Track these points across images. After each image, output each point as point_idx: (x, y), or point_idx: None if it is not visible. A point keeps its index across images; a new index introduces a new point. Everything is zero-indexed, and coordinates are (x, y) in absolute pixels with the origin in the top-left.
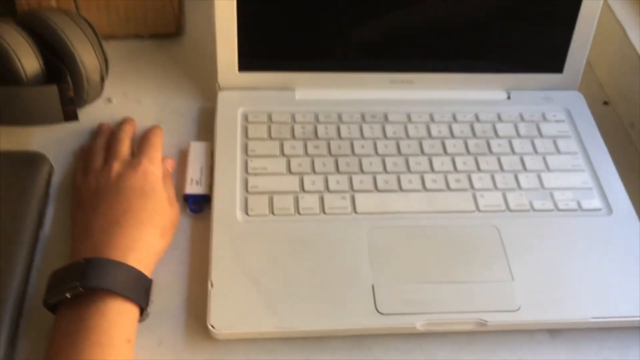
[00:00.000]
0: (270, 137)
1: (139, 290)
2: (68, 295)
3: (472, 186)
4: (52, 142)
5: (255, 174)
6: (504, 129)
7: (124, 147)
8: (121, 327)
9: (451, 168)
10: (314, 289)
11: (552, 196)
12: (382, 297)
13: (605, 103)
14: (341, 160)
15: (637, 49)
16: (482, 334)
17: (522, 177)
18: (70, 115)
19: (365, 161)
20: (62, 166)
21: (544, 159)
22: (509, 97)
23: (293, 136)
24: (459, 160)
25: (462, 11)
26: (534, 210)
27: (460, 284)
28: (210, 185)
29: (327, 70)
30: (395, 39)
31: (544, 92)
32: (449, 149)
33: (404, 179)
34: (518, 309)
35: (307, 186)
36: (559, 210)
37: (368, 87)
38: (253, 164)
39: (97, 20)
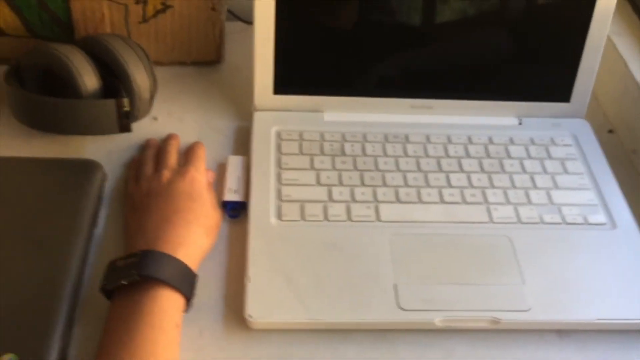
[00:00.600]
0: (301, 152)
1: (186, 283)
2: (125, 282)
3: (486, 200)
4: (105, 151)
5: (288, 185)
6: (515, 151)
7: (173, 158)
8: (171, 313)
9: (467, 184)
10: (341, 286)
11: (560, 211)
12: (403, 295)
13: (610, 131)
14: (366, 175)
15: (639, 81)
16: (496, 332)
17: (532, 194)
18: (124, 127)
19: (388, 176)
20: (113, 173)
21: (553, 178)
22: (520, 123)
23: (322, 152)
24: (474, 177)
25: (478, 47)
26: (544, 222)
27: (475, 285)
28: (247, 193)
29: (353, 95)
30: (416, 70)
31: (553, 119)
32: (465, 167)
33: (424, 192)
34: (529, 310)
35: (335, 196)
36: (566, 223)
37: (391, 111)
38: (286, 175)
39: (146, 49)
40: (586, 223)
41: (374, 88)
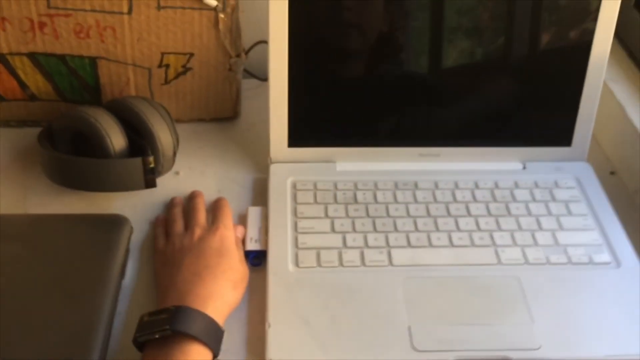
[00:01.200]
0: (316, 201)
1: (214, 339)
2: (157, 336)
3: (494, 243)
4: (131, 205)
5: (304, 233)
6: (521, 194)
7: (202, 215)
8: None
9: (475, 227)
10: (357, 329)
11: (566, 251)
12: (417, 336)
13: (612, 173)
14: (378, 221)
15: (636, 125)
16: None
17: (538, 235)
18: (150, 183)
19: (399, 222)
20: (139, 226)
21: (558, 220)
22: (524, 168)
23: (335, 201)
24: (481, 221)
25: (482, 97)
26: (550, 263)
27: (486, 325)
28: (266, 242)
29: (364, 145)
30: (424, 119)
31: (555, 163)
32: (473, 211)
33: (434, 236)
34: (539, 348)
35: (349, 243)
36: (572, 263)
37: (400, 159)
38: (302, 224)
39: (168, 108)
40: (591, 262)
41: (383, 138)
